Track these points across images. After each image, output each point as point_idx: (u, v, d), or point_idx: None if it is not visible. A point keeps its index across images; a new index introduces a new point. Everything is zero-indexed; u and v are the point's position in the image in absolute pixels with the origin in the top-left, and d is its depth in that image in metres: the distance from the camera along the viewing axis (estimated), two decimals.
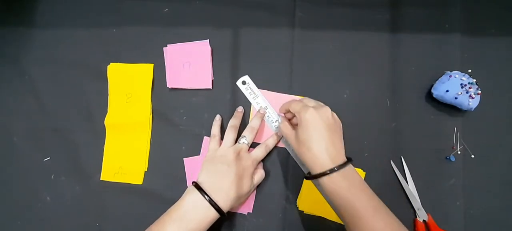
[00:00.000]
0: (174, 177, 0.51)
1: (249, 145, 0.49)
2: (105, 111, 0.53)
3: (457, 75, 0.49)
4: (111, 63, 0.54)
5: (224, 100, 0.52)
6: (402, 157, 0.50)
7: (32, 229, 0.52)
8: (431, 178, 0.50)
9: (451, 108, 0.50)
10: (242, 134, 0.49)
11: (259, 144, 0.50)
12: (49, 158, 0.53)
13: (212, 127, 0.50)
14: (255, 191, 0.50)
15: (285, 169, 0.51)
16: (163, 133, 0.53)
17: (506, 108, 0.52)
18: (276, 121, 0.51)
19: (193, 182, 0.44)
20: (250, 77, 0.53)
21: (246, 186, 0.45)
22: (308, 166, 0.42)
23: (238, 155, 0.46)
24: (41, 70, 0.55)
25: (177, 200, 0.44)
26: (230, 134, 0.48)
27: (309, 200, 0.50)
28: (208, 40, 0.53)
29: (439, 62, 0.52)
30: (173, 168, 0.52)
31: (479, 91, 0.48)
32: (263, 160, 0.50)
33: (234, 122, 0.50)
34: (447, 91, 0.48)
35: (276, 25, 0.53)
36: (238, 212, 0.50)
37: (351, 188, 0.39)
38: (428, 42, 0.53)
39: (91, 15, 0.56)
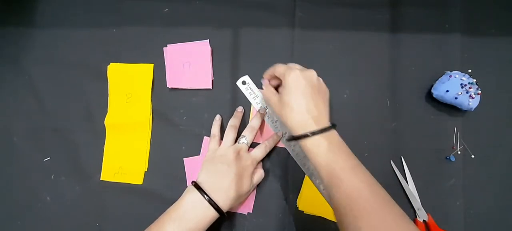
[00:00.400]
0: (174, 177, 0.51)
1: (249, 145, 0.49)
2: (105, 111, 0.53)
3: (457, 75, 0.49)
4: (111, 63, 0.54)
5: (224, 100, 0.52)
6: (402, 157, 0.50)
7: (32, 229, 0.52)
8: (431, 178, 0.50)
9: (451, 108, 0.50)
10: (242, 134, 0.49)
11: (259, 144, 0.50)
12: (49, 158, 0.53)
13: (212, 127, 0.50)
14: (255, 191, 0.50)
15: (285, 169, 0.51)
16: (163, 133, 0.53)
17: (506, 108, 0.52)
18: (276, 121, 0.51)
19: (192, 182, 0.44)
20: (250, 77, 0.53)
21: (246, 185, 0.45)
22: (290, 127, 0.41)
23: (238, 155, 0.46)
24: (41, 70, 0.55)
25: (177, 200, 0.44)
26: (230, 133, 0.48)
27: (309, 200, 0.50)
28: (208, 40, 0.53)
29: (439, 62, 0.52)
30: (173, 168, 0.52)
31: (479, 91, 0.48)
32: (263, 160, 0.50)
33: (234, 122, 0.50)
34: (447, 91, 0.48)
35: (276, 25, 0.53)
36: (238, 212, 0.50)
37: (330, 148, 0.39)
38: (428, 42, 0.53)
39: (91, 15, 0.56)
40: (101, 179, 0.52)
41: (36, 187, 0.53)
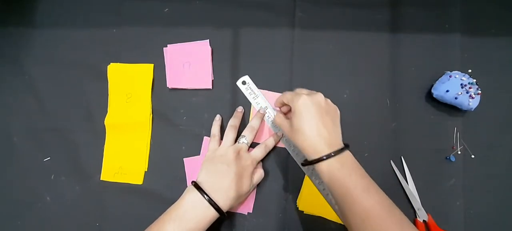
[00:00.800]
0: (174, 177, 0.51)
1: (249, 145, 0.49)
2: (105, 111, 0.53)
3: (457, 75, 0.49)
4: (111, 63, 0.54)
5: (224, 100, 0.52)
6: (402, 157, 0.50)
7: (32, 229, 0.52)
8: (431, 178, 0.50)
9: (451, 108, 0.50)
10: (242, 134, 0.49)
11: (259, 144, 0.50)
12: (49, 158, 0.53)
13: (212, 127, 0.50)
14: (255, 191, 0.50)
15: (285, 169, 0.51)
16: (163, 133, 0.53)
17: (506, 108, 0.52)
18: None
19: (192, 182, 0.44)
20: (250, 77, 0.53)
21: (246, 185, 0.45)
22: (304, 152, 0.42)
23: (237, 155, 0.46)
24: (41, 70, 0.55)
25: (177, 200, 0.44)
26: (230, 133, 0.48)
27: (309, 200, 0.50)
28: (208, 40, 0.53)
29: (439, 62, 0.52)
30: (173, 168, 0.52)
31: (479, 91, 0.48)
32: (263, 160, 0.50)
33: (234, 122, 0.50)
34: (447, 91, 0.48)
35: (276, 25, 0.53)
36: (238, 212, 0.50)
37: (343, 170, 0.39)
38: (428, 42, 0.53)
39: (91, 15, 0.56)
40: (101, 179, 0.52)
41: (36, 187, 0.53)
